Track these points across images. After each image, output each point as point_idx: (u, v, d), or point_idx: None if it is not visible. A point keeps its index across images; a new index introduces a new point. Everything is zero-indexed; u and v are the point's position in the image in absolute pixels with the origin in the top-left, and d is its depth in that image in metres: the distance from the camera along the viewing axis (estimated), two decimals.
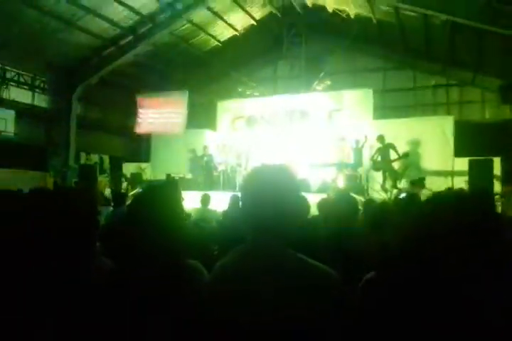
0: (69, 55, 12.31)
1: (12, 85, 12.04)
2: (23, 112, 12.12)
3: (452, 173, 10.82)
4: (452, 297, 1.05)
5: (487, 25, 8.84)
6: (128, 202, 5.35)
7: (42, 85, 12.92)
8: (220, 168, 12.37)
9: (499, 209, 7.93)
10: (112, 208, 5.97)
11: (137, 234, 1.44)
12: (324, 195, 6.94)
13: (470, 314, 1.03)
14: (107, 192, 11.74)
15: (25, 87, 12.49)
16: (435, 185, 10.56)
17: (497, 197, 8.57)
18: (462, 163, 10.13)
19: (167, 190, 1.53)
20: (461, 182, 9.85)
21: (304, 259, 1.24)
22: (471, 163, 9.38)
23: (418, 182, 9.67)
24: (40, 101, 12.98)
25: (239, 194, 1.36)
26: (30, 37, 10.68)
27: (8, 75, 11.96)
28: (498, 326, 1.01)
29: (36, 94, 12.86)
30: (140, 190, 1.51)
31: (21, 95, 12.37)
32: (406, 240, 1.22)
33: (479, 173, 8.91)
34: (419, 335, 1.07)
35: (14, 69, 11.98)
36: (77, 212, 1.48)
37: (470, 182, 9.11)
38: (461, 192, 1.29)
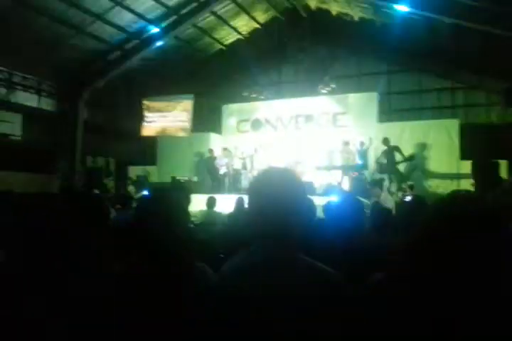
0: (75, 60, 12.39)
1: (19, 89, 12.14)
2: (30, 116, 12.21)
3: (458, 176, 10.78)
4: (463, 301, 1.05)
5: (492, 28, 8.83)
6: (134, 204, 5.37)
7: (48, 89, 13.02)
8: (222, 170, 12.42)
9: None
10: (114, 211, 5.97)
11: (144, 236, 1.46)
12: (330, 198, 6.92)
13: (483, 318, 1.03)
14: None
15: (31, 91, 12.58)
16: (441, 187, 10.54)
17: None
18: (468, 166, 10.09)
19: (175, 193, 1.54)
20: (467, 185, 9.81)
21: (308, 260, 1.24)
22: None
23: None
24: (47, 105, 13.07)
25: (244, 196, 1.37)
26: (39, 43, 10.79)
27: (15, 79, 12.05)
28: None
29: (43, 98, 12.95)
30: (147, 193, 1.53)
31: (28, 99, 12.47)
32: (414, 243, 1.22)
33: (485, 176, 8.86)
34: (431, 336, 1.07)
35: (20, 74, 12.08)
36: (88, 215, 1.49)
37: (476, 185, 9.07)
38: (469, 196, 1.28)
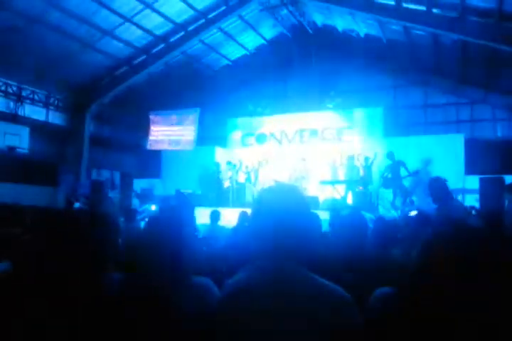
0: (83, 74, 12.56)
1: (27, 103, 12.29)
2: (38, 129, 12.33)
3: (463, 191, 10.72)
4: (469, 321, 1.04)
5: (498, 44, 8.88)
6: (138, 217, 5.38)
7: (56, 103, 13.17)
8: (226, 184, 12.44)
9: None
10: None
11: (151, 251, 1.46)
12: (334, 212, 6.89)
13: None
14: None
15: (39, 104, 12.73)
16: None
17: None
18: (473, 181, 10.05)
19: (182, 209, 1.55)
20: (471, 201, 9.75)
21: (316, 279, 1.22)
22: (481, 181, 9.29)
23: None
24: (54, 118, 13.21)
25: (247, 211, 1.37)
26: (48, 57, 10.96)
27: (24, 93, 12.22)
28: None
29: (50, 112, 13.09)
30: (156, 209, 1.54)
31: (36, 112, 12.62)
32: (422, 262, 1.21)
33: (490, 191, 8.80)
34: None
35: (29, 87, 12.25)
36: (90, 234, 1.50)
37: (481, 200, 9.01)
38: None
